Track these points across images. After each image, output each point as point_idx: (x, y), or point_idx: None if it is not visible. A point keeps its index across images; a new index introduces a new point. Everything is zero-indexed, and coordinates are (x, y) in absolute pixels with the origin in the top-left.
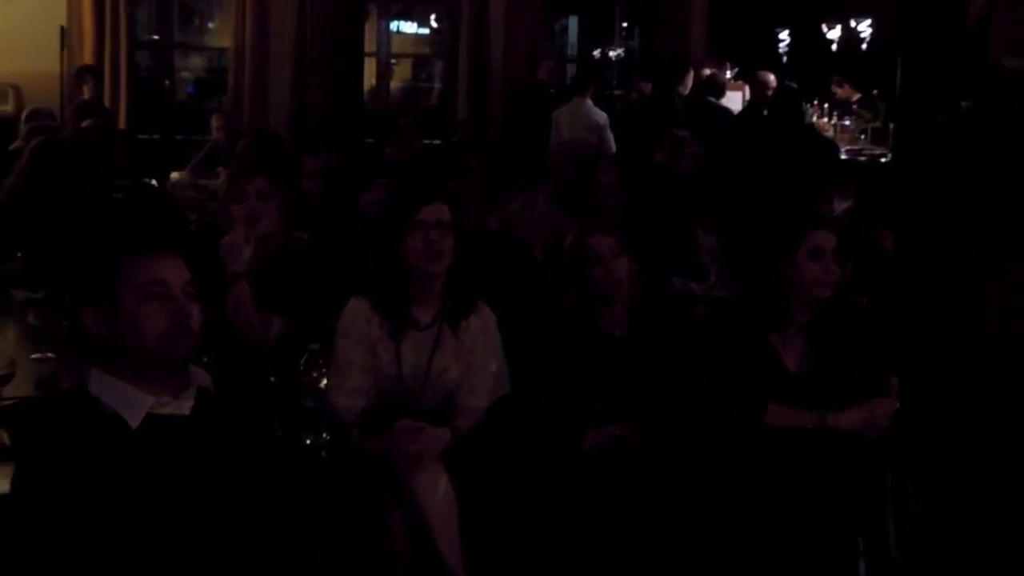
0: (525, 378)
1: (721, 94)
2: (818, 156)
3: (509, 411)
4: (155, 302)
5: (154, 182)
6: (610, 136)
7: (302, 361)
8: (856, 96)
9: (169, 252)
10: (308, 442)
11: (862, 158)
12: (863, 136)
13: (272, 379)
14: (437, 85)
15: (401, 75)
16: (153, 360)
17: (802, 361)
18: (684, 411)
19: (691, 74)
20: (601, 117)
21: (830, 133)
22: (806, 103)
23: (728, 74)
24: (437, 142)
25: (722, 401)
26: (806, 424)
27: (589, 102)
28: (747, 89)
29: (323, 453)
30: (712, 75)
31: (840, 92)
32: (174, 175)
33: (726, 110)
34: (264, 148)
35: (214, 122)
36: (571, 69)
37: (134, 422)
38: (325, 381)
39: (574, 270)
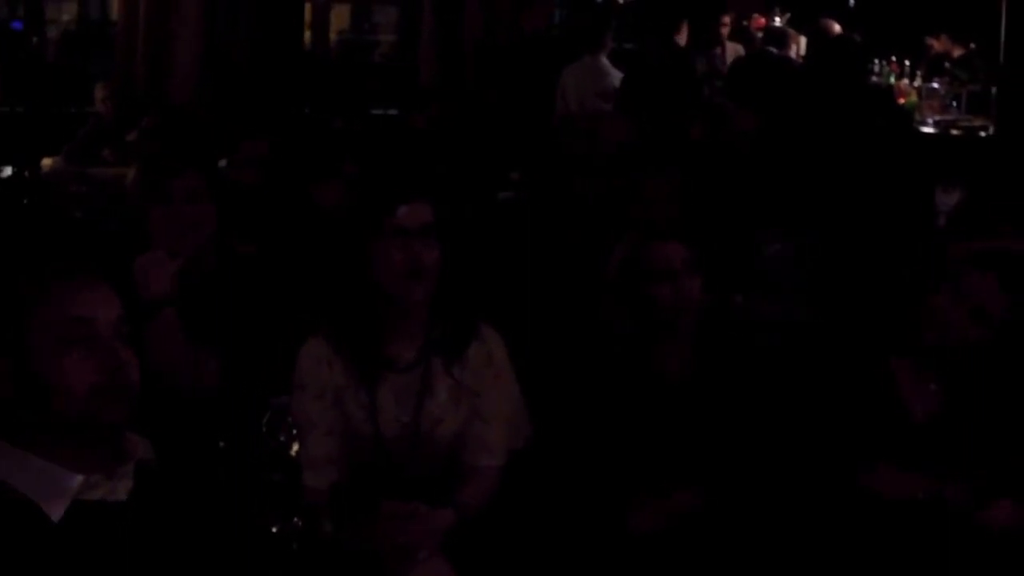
0: (553, 431)
1: (785, 44)
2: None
3: (530, 474)
4: (79, 348)
5: (24, 173)
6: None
7: (264, 420)
8: (958, 50)
9: (93, 279)
10: (275, 530)
11: (955, 131)
12: (955, 103)
13: (221, 444)
14: (384, 38)
15: (337, 23)
16: (78, 428)
17: (931, 407)
18: (765, 472)
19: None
20: (618, 80)
21: (912, 99)
22: (882, 60)
23: (778, 20)
24: (392, 112)
25: (815, 456)
26: (916, 493)
27: (604, 61)
28: (801, 42)
29: (294, 545)
30: (769, 23)
31: (936, 45)
32: (46, 162)
33: (790, 63)
34: (187, 128)
35: (98, 92)
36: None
37: (56, 513)
38: (297, 446)
39: (630, 288)
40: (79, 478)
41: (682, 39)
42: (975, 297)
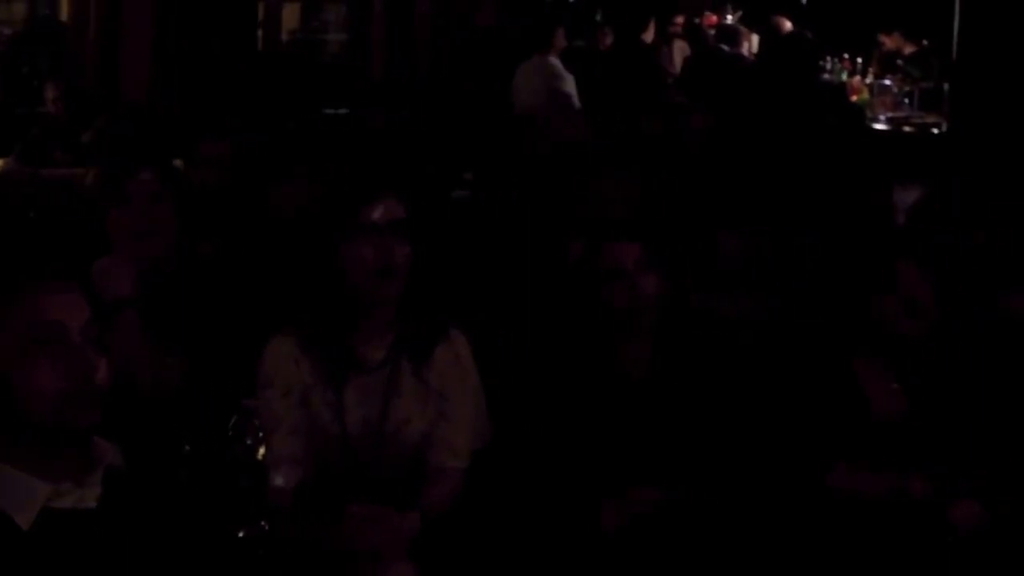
0: (518, 431)
1: (736, 42)
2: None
3: (494, 475)
4: (48, 352)
5: None
6: (575, 106)
7: (231, 424)
8: (909, 48)
9: (64, 282)
10: (241, 535)
11: (908, 128)
12: (907, 100)
13: (186, 447)
14: (333, 36)
15: (287, 23)
16: (48, 434)
17: (895, 403)
18: (730, 469)
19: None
20: (566, 82)
21: (864, 95)
22: (834, 57)
23: (729, 18)
24: (342, 111)
25: (780, 454)
26: (878, 490)
27: (554, 60)
28: (754, 39)
29: (260, 551)
30: (721, 20)
31: (888, 42)
32: None
33: (742, 60)
34: (141, 127)
35: (48, 92)
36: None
37: (25, 521)
38: (263, 450)
39: (585, 288)
40: (48, 486)
41: (648, 37)
42: (905, 289)
